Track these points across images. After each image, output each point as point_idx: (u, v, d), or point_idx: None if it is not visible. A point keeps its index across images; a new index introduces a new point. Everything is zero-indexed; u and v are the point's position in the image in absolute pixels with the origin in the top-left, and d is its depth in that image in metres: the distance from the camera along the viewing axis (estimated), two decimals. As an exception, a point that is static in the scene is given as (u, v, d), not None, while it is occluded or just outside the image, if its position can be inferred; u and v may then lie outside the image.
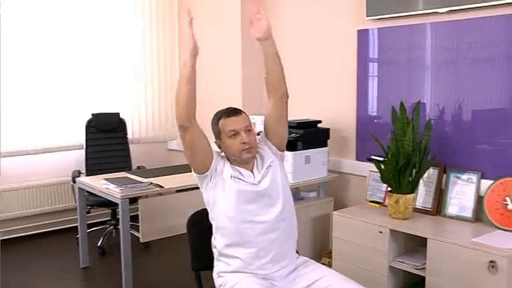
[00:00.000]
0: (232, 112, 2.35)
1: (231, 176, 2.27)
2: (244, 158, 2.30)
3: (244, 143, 2.27)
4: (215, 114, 2.38)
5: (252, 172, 2.33)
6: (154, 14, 5.42)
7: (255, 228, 2.26)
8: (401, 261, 3.08)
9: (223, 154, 2.37)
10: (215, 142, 2.37)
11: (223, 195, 2.27)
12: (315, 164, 3.78)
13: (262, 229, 2.27)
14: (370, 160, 3.37)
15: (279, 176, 2.38)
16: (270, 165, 2.36)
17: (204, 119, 2.37)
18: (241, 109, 2.40)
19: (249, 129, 2.32)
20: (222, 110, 2.38)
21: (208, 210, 2.36)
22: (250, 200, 2.27)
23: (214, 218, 2.34)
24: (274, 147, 2.42)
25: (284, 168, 2.47)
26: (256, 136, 2.42)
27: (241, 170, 2.32)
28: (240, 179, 2.28)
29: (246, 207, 2.26)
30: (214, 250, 2.38)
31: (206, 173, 2.27)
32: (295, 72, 4.35)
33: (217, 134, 2.34)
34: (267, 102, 2.38)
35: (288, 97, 2.36)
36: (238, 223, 2.26)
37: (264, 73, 2.30)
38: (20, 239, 4.80)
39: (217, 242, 2.34)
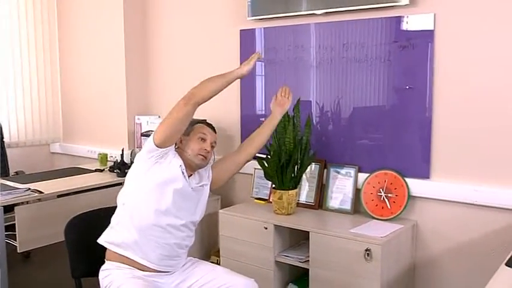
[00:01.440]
0: (211, 126, 2.62)
1: (180, 165, 2.38)
2: (195, 161, 2.46)
3: (205, 149, 2.47)
4: (195, 119, 2.51)
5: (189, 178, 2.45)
6: (30, 8, 5.08)
7: (169, 217, 2.34)
8: (286, 255, 3.17)
9: (174, 149, 2.46)
10: (180, 138, 2.47)
11: (161, 173, 2.34)
12: (201, 163, 3.77)
13: (174, 223, 2.35)
14: (254, 158, 3.42)
15: (205, 197, 2.56)
16: (203, 186, 2.53)
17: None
18: None
19: (213, 146, 2.56)
20: (204, 119, 2.70)
21: (131, 178, 2.40)
22: (180, 194, 2.37)
23: (136, 186, 2.37)
24: (210, 180, 2.61)
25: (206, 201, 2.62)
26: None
27: (185, 169, 2.43)
28: (184, 173, 2.39)
29: (172, 196, 2.34)
30: (113, 219, 2.39)
31: (162, 149, 2.33)
32: (181, 72, 4.33)
33: (188, 131, 2.49)
34: (236, 149, 2.87)
35: (251, 159, 2.80)
36: (159, 203, 2.32)
37: (255, 132, 2.81)
38: None
39: (124, 209, 2.37)
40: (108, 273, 2.31)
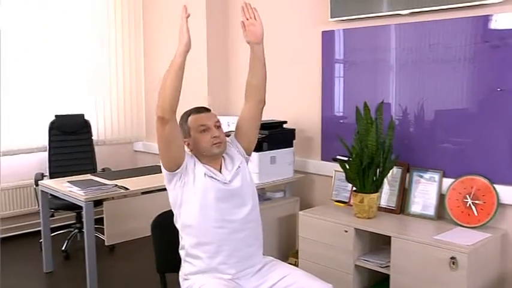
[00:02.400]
0: (202, 109, 2.39)
1: (205, 174, 2.26)
2: (214, 152, 2.31)
3: (215, 137, 2.29)
4: (184, 113, 2.39)
5: (220, 172, 2.33)
6: (119, 13, 5.36)
7: (224, 227, 2.26)
8: (366, 259, 3.12)
9: (191, 154, 2.36)
10: (184, 141, 2.34)
11: (193, 193, 2.25)
12: (280, 164, 3.79)
13: (231, 229, 2.27)
14: (335, 160, 3.40)
15: (247, 178, 2.40)
16: (240, 167, 2.37)
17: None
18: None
19: (218, 126, 2.35)
20: (191, 109, 2.40)
21: (174, 209, 2.34)
22: (222, 198, 2.27)
23: (181, 218, 2.31)
24: (243, 150, 2.45)
25: (249, 171, 2.47)
26: (226, 137, 2.41)
27: (211, 168, 2.31)
28: (213, 177, 2.28)
29: (217, 206, 2.25)
30: (181, 252, 2.36)
31: (177, 171, 2.24)
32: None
33: (187, 132, 2.33)
34: (243, 104, 2.44)
35: (264, 104, 2.43)
36: (208, 221, 2.25)
37: (248, 75, 2.39)
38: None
39: (185, 241, 2.33)
40: (193, 282, 2.30)
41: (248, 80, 2.40)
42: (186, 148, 2.35)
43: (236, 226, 2.28)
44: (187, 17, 2.21)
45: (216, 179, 2.28)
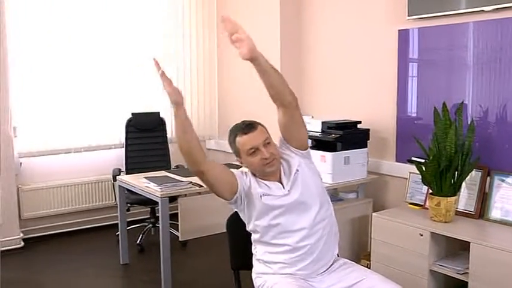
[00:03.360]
0: (247, 127, 2.28)
1: (261, 195, 2.25)
2: (267, 171, 2.27)
3: (265, 158, 2.23)
4: (230, 131, 2.33)
5: (280, 182, 2.31)
6: (194, 12, 5.46)
7: (294, 236, 2.25)
8: (442, 265, 3.03)
9: (246, 170, 2.35)
10: (236, 159, 2.36)
11: (255, 212, 2.26)
12: (354, 164, 3.74)
13: (301, 236, 2.25)
14: (411, 161, 3.32)
15: (309, 177, 2.35)
16: (298, 170, 2.32)
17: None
18: (257, 121, 2.34)
19: (267, 142, 2.26)
20: (237, 125, 2.33)
21: (246, 223, 2.37)
22: (284, 212, 2.25)
23: (252, 231, 2.36)
24: (297, 149, 2.38)
25: (313, 166, 2.42)
26: (276, 144, 2.36)
27: (268, 183, 2.29)
28: (270, 194, 2.26)
29: (280, 221, 2.25)
30: (254, 252, 2.39)
31: (235, 196, 2.25)
32: (335, 73, 4.34)
33: (237, 153, 2.31)
34: (277, 112, 2.29)
35: (296, 100, 2.27)
36: (276, 235, 2.26)
37: (265, 87, 2.21)
38: (62, 235, 4.93)
39: (257, 250, 2.36)
40: (267, 279, 2.31)
41: (267, 90, 2.21)
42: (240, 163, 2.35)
43: (305, 232, 2.26)
44: (162, 74, 2.12)
45: (273, 195, 2.26)
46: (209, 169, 2.17)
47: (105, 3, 4.97)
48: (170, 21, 5.35)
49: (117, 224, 4.30)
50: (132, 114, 4.92)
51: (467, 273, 2.86)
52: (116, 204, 4.30)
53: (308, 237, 2.26)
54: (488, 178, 3.22)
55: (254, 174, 2.33)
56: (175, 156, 5.07)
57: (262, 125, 2.33)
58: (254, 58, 2.07)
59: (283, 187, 2.29)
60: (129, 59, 5.14)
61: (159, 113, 5.04)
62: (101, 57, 4.98)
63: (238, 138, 2.28)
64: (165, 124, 5.05)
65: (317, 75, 4.54)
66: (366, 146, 3.81)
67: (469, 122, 3.17)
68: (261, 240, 2.32)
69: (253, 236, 2.37)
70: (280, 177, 2.32)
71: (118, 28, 5.05)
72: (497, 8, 3.13)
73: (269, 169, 2.26)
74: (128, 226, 4.34)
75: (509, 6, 3.07)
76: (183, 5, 5.41)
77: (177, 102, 2.10)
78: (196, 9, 5.49)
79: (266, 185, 2.29)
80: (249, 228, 2.35)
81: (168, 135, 5.11)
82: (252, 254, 2.40)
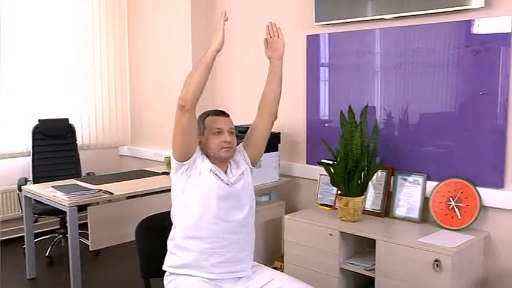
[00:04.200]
0: (221, 112, 2.46)
1: (210, 170, 2.32)
2: (222, 155, 2.36)
3: (226, 141, 2.35)
4: (203, 112, 2.45)
5: (225, 174, 2.38)
6: (103, 16, 5.32)
7: (220, 224, 2.29)
8: (351, 262, 3.13)
9: (201, 151, 2.40)
10: (197, 137, 2.39)
11: (197, 186, 2.30)
12: (266, 168, 3.79)
13: (226, 228, 2.30)
14: (320, 164, 3.42)
15: (249, 185, 2.46)
16: (243, 173, 2.43)
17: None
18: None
19: (232, 132, 2.41)
20: (211, 110, 2.49)
21: (174, 200, 2.37)
22: (223, 197, 2.31)
23: (180, 208, 2.35)
24: (249, 160, 2.51)
25: (252, 181, 2.53)
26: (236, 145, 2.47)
27: (218, 168, 2.36)
28: (217, 175, 2.33)
29: (217, 203, 2.29)
30: (169, 243, 2.38)
31: (185, 162, 2.30)
32: (243, 77, 4.38)
33: (202, 130, 2.40)
34: (256, 115, 2.52)
35: (276, 118, 2.54)
36: (206, 216, 2.28)
37: (265, 89, 2.50)
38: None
39: (177, 232, 2.35)
40: (173, 278, 2.33)
41: (264, 93, 2.51)
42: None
43: (231, 227, 2.32)
44: (226, 21, 2.31)
45: (220, 177, 2.34)
46: (192, 113, 2.22)
47: (10, 5, 4.73)
48: (78, 23, 5.18)
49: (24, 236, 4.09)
50: (39, 120, 4.71)
51: (374, 269, 2.98)
52: (22, 215, 4.09)
53: (230, 233, 2.32)
54: (392, 177, 3.37)
55: (207, 157, 2.38)
56: (86, 164, 4.93)
57: (231, 118, 2.48)
58: (279, 58, 2.50)
59: (228, 179, 2.37)
60: (36, 62, 4.91)
61: (68, 119, 4.86)
62: (5, 60, 4.72)
63: (209, 117, 2.42)
64: (74, 131, 4.88)
65: (230, 78, 4.56)
66: (277, 149, 3.87)
67: (374, 125, 3.30)
68: (185, 220, 2.31)
69: (176, 216, 2.36)
70: (226, 170, 2.40)
71: (24, 31, 4.82)
72: (397, 17, 3.30)
73: (225, 154, 2.36)
74: (37, 238, 4.15)
75: (406, 15, 3.24)
76: (92, 7, 5.25)
77: (222, 45, 2.26)
78: (106, 12, 5.35)
79: (216, 167, 2.36)
80: (178, 201, 2.34)
81: (79, 141, 4.95)
82: (162, 261, 2.37)
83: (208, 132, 2.38)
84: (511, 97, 2.90)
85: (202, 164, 2.33)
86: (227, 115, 2.47)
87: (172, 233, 2.38)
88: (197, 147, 2.35)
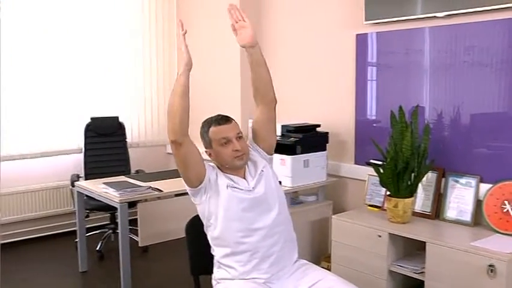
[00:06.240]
0: (223, 120, 2.32)
1: (227, 186, 2.25)
2: (237, 165, 2.28)
3: (236, 150, 2.25)
4: (204, 123, 2.35)
5: (245, 179, 2.32)
6: (153, 17, 5.44)
7: (253, 235, 2.25)
8: (400, 265, 3.08)
9: (213, 164, 2.35)
10: (205, 151, 2.35)
11: (219, 206, 2.25)
12: (313, 167, 3.78)
13: (261, 235, 2.26)
14: (369, 164, 3.37)
15: (272, 180, 2.37)
16: (263, 171, 2.35)
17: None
18: (230, 116, 2.38)
19: (240, 136, 2.30)
20: (212, 117, 2.35)
21: (204, 222, 2.34)
22: (247, 208, 2.25)
23: (210, 230, 2.33)
24: (264, 152, 2.42)
25: (275, 172, 2.45)
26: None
27: (235, 178, 2.30)
28: (235, 187, 2.26)
29: (243, 216, 2.24)
30: (214, 254, 2.37)
31: (200, 186, 2.24)
32: (294, 77, 4.37)
33: (208, 143, 2.31)
34: (255, 108, 2.39)
35: (276, 102, 2.38)
36: (236, 232, 2.25)
37: (252, 79, 2.31)
38: (19, 243, 4.79)
39: (216, 252, 2.34)
40: (221, 280, 2.33)
41: (253, 84, 2.34)
42: (208, 157, 2.34)
43: (265, 232, 2.27)
44: (184, 34, 2.16)
45: (239, 188, 2.26)
46: (187, 144, 2.15)
47: (63, 7, 4.88)
48: (129, 22, 5.30)
49: (76, 230, 4.21)
50: (91, 118, 4.84)
51: (423, 272, 2.92)
52: (75, 210, 4.22)
53: (267, 239, 2.26)
54: (443, 179, 3.30)
55: (220, 169, 2.32)
56: (135, 161, 5.03)
57: (235, 121, 2.35)
58: (254, 44, 2.24)
59: (248, 184, 2.30)
60: (88, 63, 5.06)
61: (118, 117, 4.98)
62: (59, 61, 4.89)
63: (212, 128, 2.29)
64: (124, 128, 4.99)
65: (276, 79, 4.52)
66: (325, 149, 3.85)
67: (424, 125, 3.24)
68: (219, 239, 2.29)
69: (211, 235, 2.33)
70: (244, 175, 2.33)
71: (76, 32, 4.97)
72: (449, 15, 3.22)
73: (239, 162, 2.27)
74: (87, 233, 4.26)
75: (460, 13, 3.16)
76: (142, 8, 5.36)
77: (190, 64, 2.14)
78: (156, 10, 5.45)
79: (232, 179, 2.29)
80: (208, 223, 2.31)
81: (128, 139, 5.06)
82: (212, 258, 2.39)
83: (216, 144, 2.28)
84: None
85: (218, 181, 2.26)
86: (230, 120, 2.33)
87: (212, 251, 2.36)
88: (206, 165, 2.26)
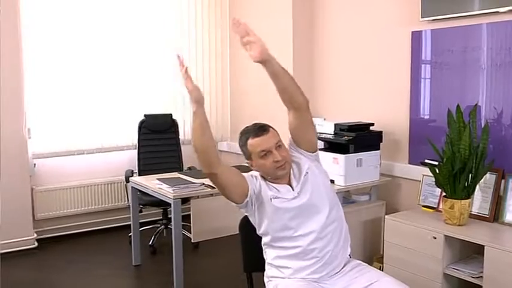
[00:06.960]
0: (259, 130, 2.27)
1: (271, 198, 2.24)
2: (279, 174, 2.26)
3: (277, 161, 2.22)
4: (242, 134, 2.32)
5: (289, 185, 2.30)
6: (206, 14, 5.50)
7: (304, 239, 2.24)
8: (456, 268, 3.00)
9: (255, 174, 2.33)
10: (247, 162, 2.35)
11: (265, 216, 2.25)
12: (367, 167, 3.73)
13: (311, 238, 2.24)
14: (424, 164, 3.30)
15: (319, 180, 2.34)
16: (307, 172, 2.31)
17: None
18: (268, 124, 2.33)
19: (279, 145, 2.25)
20: (248, 128, 2.32)
21: (256, 227, 2.36)
22: (294, 215, 2.24)
23: (262, 235, 2.34)
24: (306, 152, 2.37)
25: (322, 168, 2.41)
26: (287, 148, 2.35)
27: (278, 186, 2.28)
28: (280, 197, 2.24)
29: (291, 224, 2.24)
30: (265, 257, 2.38)
31: (246, 200, 2.24)
32: (347, 75, 4.33)
33: (248, 155, 2.30)
34: (287, 113, 2.30)
35: (307, 103, 2.26)
36: (286, 238, 2.25)
37: (276, 90, 2.20)
38: (75, 235, 4.96)
39: (268, 255, 2.35)
40: (273, 278, 2.34)
41: (280, 94, 2.21)
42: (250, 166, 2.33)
43: (316, 235, 2.25)
44: (185, 71, 2.12)
45: (283, 198, 2.24)
46: (222, 172, 2.17)
47: (119, 5, 5.01)
48: (183, 22, 5.38)
49: (129, 225, 4.31)
50: (145, 115, 4.94)
51: (481, 277, 2.84)
52: (129, 205, 4.32)
53: (318, 240, 2.25)
54: (503, 181, 3.19)
55: (264, 178, 2.32)
56: (188, 158, 5.09)
57: (273, 128, 2.31)
58: (265, 60, 2.08)
59: (293, 189, 2.28)
60: (142, 61, 5.17)
61: (171, 114, 5.06)
62: (114, 59, 5.02)
63: (250, 141, 2.26)
64: (177, 126, 5.07)
65: (329, 77, 4.53)
66: (378, 148, 3.79)
67: (483, 124, 3.14)
68: (271, 244, 2.31)
69: (264, 240, 2.36)
70: (289, 180, 2.31)
71: (131, 30, 5.08)
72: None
73: (281, 172, 2.25)
74: (140, 227, 4.35)
75: (524, 7, 3.05)
76: (195, 7, 5.43)
77: (198, 101, 2.11)
78: (209, 11, 5.51)
79: (276, 188, 2.28)
80: (259, 232, 2.35)
81: (181, 136, 5.13)
82: (263, 257, 2.40)
83: (256, 157, 2.25)
84: None
85: (261, 193, 2.24)
86: (267, 130, 2.26)
87: (264, 254, 2.37)
88: (247, 178, 2.25)
